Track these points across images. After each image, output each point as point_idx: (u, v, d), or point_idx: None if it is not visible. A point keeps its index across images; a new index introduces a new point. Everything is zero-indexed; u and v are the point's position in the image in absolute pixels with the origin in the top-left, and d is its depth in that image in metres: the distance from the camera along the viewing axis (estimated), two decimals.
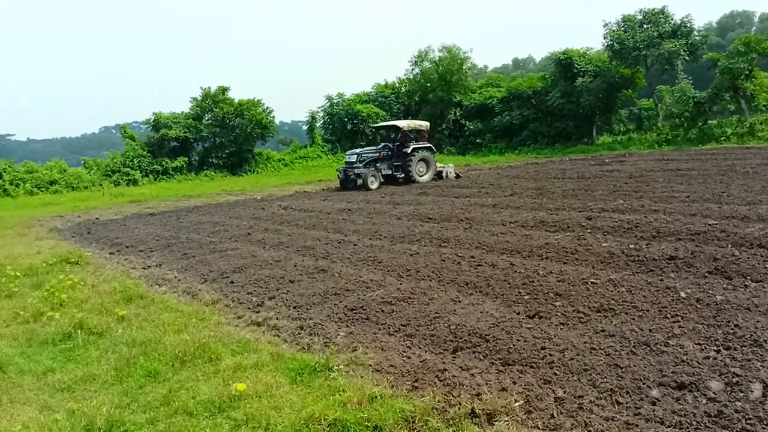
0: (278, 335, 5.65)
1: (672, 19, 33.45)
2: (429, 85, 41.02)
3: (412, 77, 42.86)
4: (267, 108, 37.75)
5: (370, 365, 4.59)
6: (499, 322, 5.32)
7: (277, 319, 6.12)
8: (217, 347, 5.20)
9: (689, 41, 32.65)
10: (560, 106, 35.13)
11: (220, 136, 36.25)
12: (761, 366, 3.97)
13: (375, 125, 29.44)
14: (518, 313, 5.61)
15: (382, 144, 23.35)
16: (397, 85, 43.85)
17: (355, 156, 21.97)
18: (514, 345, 4.73)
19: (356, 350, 4.94)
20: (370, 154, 22.23)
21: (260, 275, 8.18)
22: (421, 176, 22.07)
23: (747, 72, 28.78)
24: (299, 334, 5.60)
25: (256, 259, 9.36)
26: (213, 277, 8.43)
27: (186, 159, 35.20)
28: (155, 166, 33.69)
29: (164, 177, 33.60)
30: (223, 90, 36.66)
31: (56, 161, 33.39)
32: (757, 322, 4.74)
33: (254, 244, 10.95)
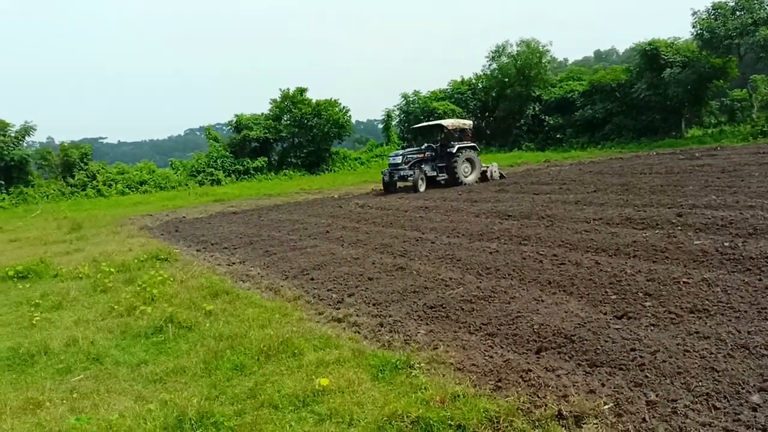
0: (359, 332, 5.71)
1: (767, 5, 31.30)
2: (507, 80, 40.38)
3: (489, 73, 42.30)
4: (344, 107, 38.33)
5: (452, 364, 4.55)
6: (584, 323, 5.16)
7: (357, 315, 6.18)
8: (300, 342, 5.31)
9: None
10: (646, 99, 33.59)
11: (299, 136, 37.11)
12: None
13: (417, 125, 27.70)
14: (605, 314, 5.41)
15: (426, 145, 22.31)
16: (473, 81, 43.39)
17: (400, 157, 20.94)
18: (601, 346, 4.56)
19: (437, 348, 4.92)
20: (415, 155, 21.23)
21: (339, 272, 8.31)
22: (466, 177, 21.14)
23: None
24: (379, 331, 5.64)
25: (335, 256, 9.51)
26: (294, 273, 8.63)
27: (266, 159, 36.28)
28: (237, 166, 34.92)
29: (245, 177, 34.78)
30: (301, 91, 37.47)
31: (145, 162, 35.36)
32: None
33: (333, 242, 11.13)
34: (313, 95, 38.06)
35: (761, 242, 7.22)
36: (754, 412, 3.41)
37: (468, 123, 23.48)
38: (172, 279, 8.52)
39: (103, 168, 32.90)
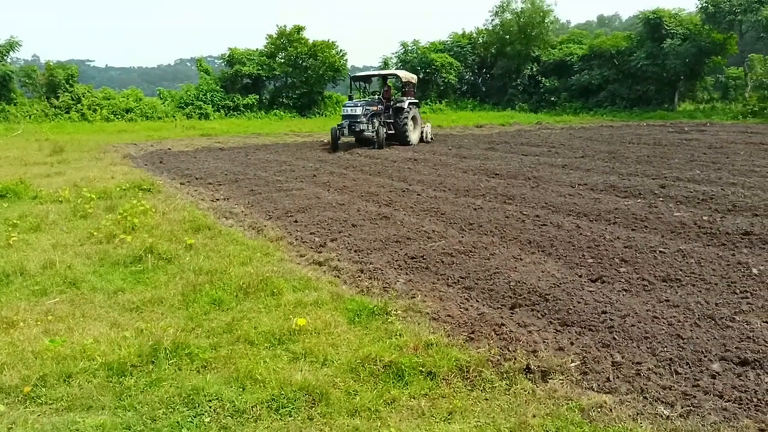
0: (338, 276, 5.77)
1: None
2: (508, 37, 39.72)
3: (491, 28, 41.54)
4: (341, 51, 37.55)
5: (428, 313, 4.64)
6: (560, 283, 5.26)
7: (338, 260, 6.23)
8: (280, 282, 5.36)
9: None
10: (644, 68, 33.39)
11: (292, 76, 36.40)
12: None
13: (368, 73, 23.62)
14: (580, 276, 5.52)
15: (377, 97, 20.29)
16: (474, 35, 42.62)
17: (360, 108, 18.41)
18: (574, 307, 4.67)
19: (414, 297, 5.00)
20: (371, 108, 18.78)
21: (323, 217, 8.33)
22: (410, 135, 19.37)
23: None
24: (359, 276, 5.70)
25: (320, 200, 9.51)
26: (278, 214, 8.63)
27: (257, 97, 35.65)
28: (227, 102, 34.32)
29: (235, 113, 34.23)
30: (299, 29, 36.56)
31: (132, 89, 34.54)
32: None
33: (319, 186, 11.11)
34: (311, 35, 37.19)
35: (738, 219, 7.35)
36: (713, 380, 3.54)
37: (414, 77, 22.14)
38: (153, 210, 8.47)
39: (89, 91, 32.12)
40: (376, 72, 24.23)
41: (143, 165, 15.00)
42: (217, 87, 34.66)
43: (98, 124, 29.30)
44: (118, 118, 31.23)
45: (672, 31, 32.71)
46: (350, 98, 20.26)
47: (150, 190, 10.57)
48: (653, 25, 33.45)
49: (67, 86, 31.22)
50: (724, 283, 5.16)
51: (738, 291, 4.97)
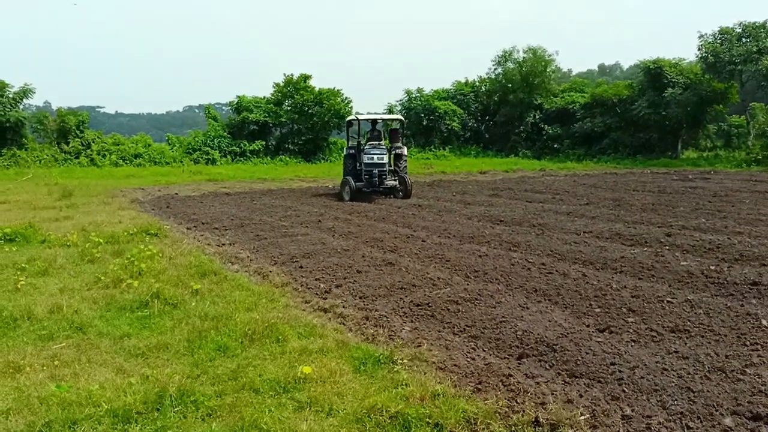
0: (344, 323, 5.74)
1: None
2: (510, 85, 40.35)
3: (493, 77, 42.28)
4: (346, 98, 38.15)
5: (434, 362, 4.60)
6: (567, 333, 5.22)
7: (343, 307, 6.21)
8: (285, 329, 5.33)
9: None
10: (646, 116, 33.75)
11: (298, 123, 36.91)
12: None
13: (368, 115, 20.80)
14: (588, 326, 5.48)
15: (381, 143, 18.25)
16: (477, 83, 43.37)
17: (386, 156, 17.11)
18: (582, 357, 4.63)
19: (420, 346, 4.96)
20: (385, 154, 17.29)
21: (329, 263, 8.33)
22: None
23: None
24: (364, 324, 5.67)
25: (325, 246, 9.53)
26: (283, 260, 8.64)
27: (264, 143, 36.10)
28: (234, 148, 34.73)
29: (241, 159, 34.60)
30: (305, 77, 37.26)
31: (142, 135, 35.07)
32: None
33: (324, 232, 11.15)
34: (317, 83, 37.74)
35: (746, 268, 7.32)
36: None
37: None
38: (160, 255, 8.51)
39: (98, 137, 32.61)
40: (382, 115, 21.52)
41: (150, 210, 15.11)
42: (225, 133, 35.15)
43: (107, 169, 29.63)
44: (126, 163, 31.60)
45: (673, 80, 33.21)
46: (358, 143, 18.07)
47: (157, 234, 10.62)
48: (654, 74, 34.00)
49: (78, 132, 31.71)
50: (733, 334, 5.12)
51: (748, 343, 4.92)
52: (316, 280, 7.48)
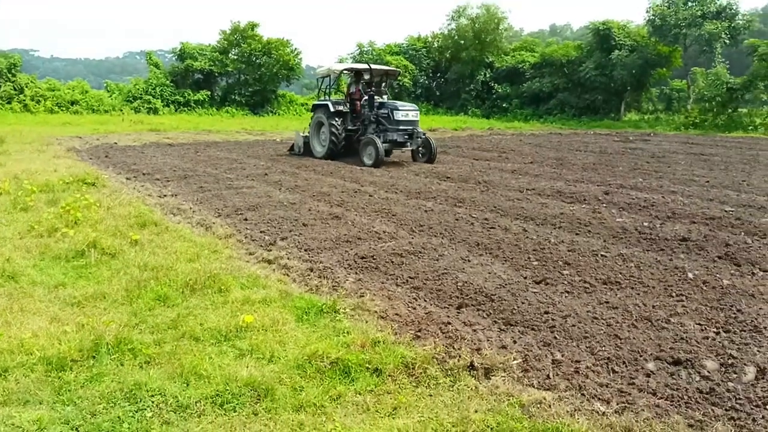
0: (288, 274, 5.75)
1: (717, 0, 32.35)
2: (463, 42, 40.26)
3: (446, 32, 42.01)
4: (295, 49, 37.36)
5: (376, 312, 4.67)
6: (505, 284, 5.38)
7: (287, 259, 6.20)
8: (227, 279, 5.30)
9: (732, 24, 31.73)
10: (592, 78, 34.44)
11: (245, 73, 35.95)
12: (758, 351, 4.01)
13: (365, 64, 17.63)
14: (525, 278, 5.66)
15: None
16: (430, 39, 43.03)
17: (419, 112, 15.26)
18: (518, 307, 4.79)
19: (363, 296, 5.02)
20: (418, 110, 15.46)
21: (274, 215, 8.27)
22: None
23: None
24: (308, 275, 5.69)
25: (271, 199, 9.44)
26: (227, 212, 8.52)
27: (209, 93, 35.08)
28: (177, 97, 33.64)
29: (185, 109, 33.58)
30: (253, 26, 36.15)
31: (78, 81, 33.48)
32: (760, 309, 4.76)
33: (270, 185, 11.02)
34: (265, 32, 36.81)
35: (677, 225, 7.67)
36: (648, 378, 3.69)
37: None
38: (98, 204, 8.24)
39: (32, 82, 30.95)
40: (380, 66, 18.87)
41: (88, 159, 14.55)
42: (167, 81, 33.92)
43: (41, 115, 28.25)
44: (62, 110, 30.20)
45: (620, 43, 33.85)
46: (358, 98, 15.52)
47: (95, 184, 10.26)
48: (603, 36, 34.54)
49: (9, 76, 30.00)
50: (661, 286, 5.38)
51: (674, 294, 5.18)
52: (261, 232, 7.41)
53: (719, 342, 4.17)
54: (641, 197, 9.59)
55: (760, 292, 5.16)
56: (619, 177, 12.24)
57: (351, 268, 5.94)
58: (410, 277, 5.65)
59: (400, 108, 14.52)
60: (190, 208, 8.80)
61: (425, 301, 5.06)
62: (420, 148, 14.99)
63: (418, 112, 15.10)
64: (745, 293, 5.15)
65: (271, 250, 6.55)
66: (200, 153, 16.52)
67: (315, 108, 16.16)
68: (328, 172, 12.83)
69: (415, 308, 4.81)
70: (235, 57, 36.16)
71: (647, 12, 33.43)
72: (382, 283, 5.49)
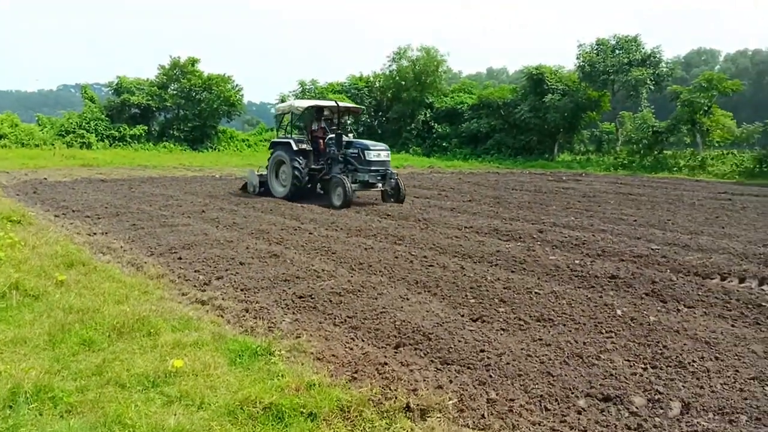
0: (222, 315, 5.61)
1: (643, 48, 34.46)
2: (404, 83, 41.09)
3: (388, 73, 42.86)
4: (237, 86, 37.24)
5: (312, 353, 4.60)
6: (443, 322, 5.41)
7: (222, 299, 6.06)
8: (158, 322, 5.12)
9: (656, 71, 33.68)
10: (527, 120, 35.73)
11: (185, 108, 35.50)
12: (683, 386, 4.15)
13: (323, 103, 16.67)
14: (462, 315, 5.71)
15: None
16: (371, 79, 43.76)
17: (389, 152, 14.72)
18: (454, 345, 4.81)
19: (300, 337, 4.94)
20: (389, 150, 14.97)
21: (210, 254, 8.09)
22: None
23: (706, 108, 29.90)
24: (244, 316, 5.57)
25: (207, 237, 9.24)
26: (161, 251, 8.28)
27: (146, 128, 34.40)
28: (112, 132, 32.82)
29: (121, 144, 32.76)
30: (193, 61, 35.90)
31: (8, 114, 32.19)
32: (684, 344, 4.95)
33: (207, 222, 10.81)
34: (206, 68, 36.61)
35: (606, 263, 7.94)
36: (579, 415, 3.76)
37: None
38: (23, 243, 7.85)
39: None
40: (346, 104, 17.75)
41: (14, 195, 13.92)
42: (103, 116, 33.09)
43: None
44: None
45: (552, 87, 35.38)
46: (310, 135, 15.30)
47: (20, 221, 9.79)
48: (536, 80, 36.02)
49: None
50: (591, 323, 5.53)
51: (604, 331, 5.33)
52: (195, 271, 7.23)
53: (647, 378, 4.30)
54: (573, 235, 9.91)
55: (684, 328, 5.37)
56: (553, 215, 12.63)
57: (288, 308, 5.85)
58: (348, 317, 5.61)
59: (371, 148, 13.91)
60: (121, 246, 8.51)
61: (363, 341, 5.02)
62: (389, 189, 14.38)
63: (389, 152, 14.58)
64: (670, 329, 5.35)
65: (205, 290, 6.39)
66: (135, 189, 16.07)
67: (275, 145, 15.48)
68: (268, 210, 12.70)
69: (352, 349, 4.76)
70: (175, 92, 35.71)
71: (577, 58, 35.21)
72: (320, 323, 5.42)
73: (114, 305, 5.53)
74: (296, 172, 14.22)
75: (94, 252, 8.07)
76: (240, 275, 7.03)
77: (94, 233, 9.49)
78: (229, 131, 38.65)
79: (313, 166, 14.68)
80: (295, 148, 14.42)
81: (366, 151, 13.72)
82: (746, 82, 48.34)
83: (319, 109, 15.64)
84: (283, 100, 41.22)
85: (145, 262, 7.52)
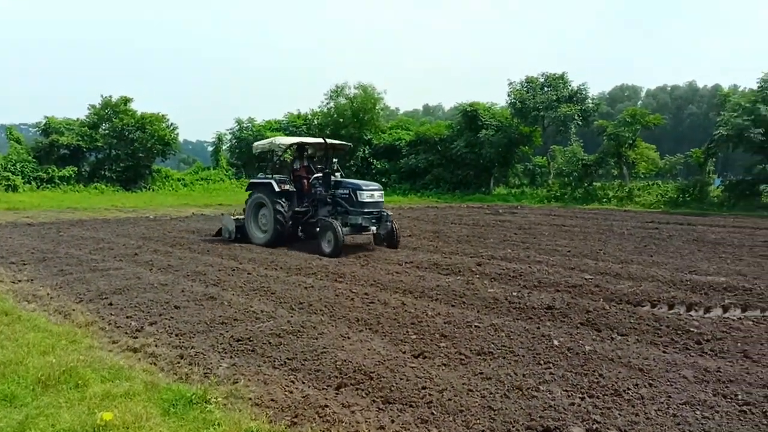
0: (155, 363, 5.39)
1: (570, 86, 36.13)
2: (342, 120, 41.47)
3: (326, 110, 43.17)
4: (172, 124, 36.61)
5: (250, 399, 4.47)
6: (384, 360, 5.37)
7: (156, 346, 5.84)
8: (86, 373, 4.87)
9: (583, 107, 35.33)
10: (463, 155, 36.65)
11: (117, 148, 34.57)
12: (619, 414, 4.25)
13: (317, 137, 15.95)
14: (404, 352, 5.69)
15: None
16: (309, 116, 43.95)
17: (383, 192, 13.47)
18: (396, 383, 4.78)
19: (237, 382, 4.80)
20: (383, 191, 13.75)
21: (143, 299, 7.81)
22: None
23: (631, 141, 31.50)
24: (178, 363, 5.37)
25: (140, 281, 8.93)
26: (90, 297, 7.93)
27: (76, 169, 33.24)
28: (40, 173, 31.57)
29: (49, 186, 31.51)
30: (126, 100, 35.16)
31: None
32: (619, 372, 5.09)
33: (141, 266, 10.45)
34: (139, 107, 35.86)
35: (543, 294, 8.13)
36: None
37: None
38: None
39: None
40: (333, 140, 15.05)
41: None
42: (30, 157, 31.81)
43: None
44: None
45: (487, 123, 36.53)
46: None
47: None
48: (471, 116, 37.13)
49: None
50: (530, 354, 5.62)
51: (542, 362, 5.42)
52: (127, 317, 6.95)
53: (584, 408, 4.38)
54: (511, 267, 10.11)
55: (619, 357, 5.53)
56: (491, 248, 12.88)
57: (225, 352, 5.69)
58: (288, 358, 5.50)
59: (364, 188, 12.65)
60: (48, 294, 8.11)
61: (303, 383, 4.92)
62: (383, 233, 12.97)
63: (383, 192, 13.37)
64: (605, 358, 5.49)
65: (137, 337, 6.14)
66: (63, 233, 15.41)
67: (253, 187, 14.18)
68: (205, 250, 12.41)
69: (292, 392, 4.66)
70: (106, 132, 34.78)
71: (509, 96, 36.54)
72: (259, 366, 5.29)
73: (39, 356, 5.24)
74: (279, 216, 12.93)
75: (18, 300, 7.66)
76: (175, 320, 6.80)
77: (19, 280, 9.02)
78: (164, 170, 37.83)
79: (296, 209, 13.40)
80: (277, 189, 13.19)
81: (358, 192, 12.50)
82: (667, 116, 51.43)
83: (301, 147, 14.49)
84: (220, 139, 40.85)
85: (74, 310, 7.18)
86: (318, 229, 12.53)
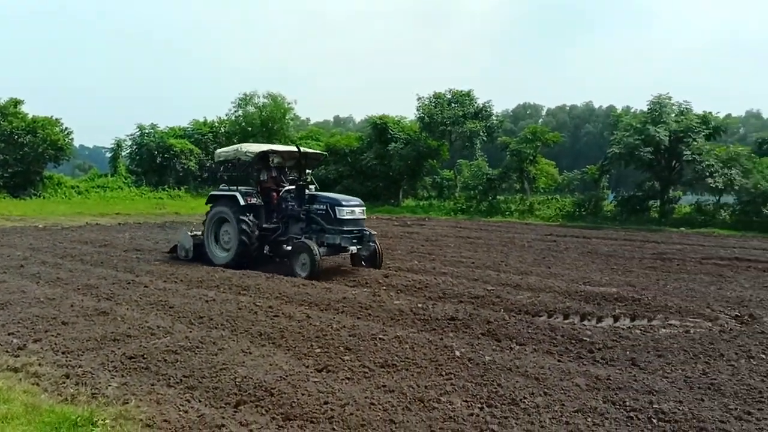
0: (38, 384, 5.02)
1: (476, 102, 37.45)
2: (250, 129, 40.70)
3: (233, 119, 42.23)
4: (66, 129, 34.46)
5: (141, 420, 4.24)
6: (287, 375, 5.26)
7: (39, 365, 5.43)
8: None
9: (488, 124, 36.70)
10: (373, 167, 37.00)
11: (5, 152, 32.06)
12: (515, 424, 4.38)
13: (282, 148, 13.39)
14: (307, 367, 5.61)
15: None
16: (216, 124, 42.83)
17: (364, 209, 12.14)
18: (298, 399, 4.69)
19: (128, 403, 4.54)
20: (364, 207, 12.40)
21: (27, 314, 7.26)
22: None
23: (531, 157, 32.96)
24: (63, 383, 5.02)
25: (25, 295, 8.31)
26: None
27: None
28: None
29: None
30: (16, 103, 32.78)
31: None
32: (516, 382, 5.25)
33: (26, 278, 9.73)
34: (31, 110, 33.47)
35: (446, 305, 8.28)
36: None
37: None
38: None
39: None
40: (310, 149, 14.44)
41: None
42: None
43: None
44: None
45: (396, 136, 37.11)
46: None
47: None
48: (380, 129, 37.60)
49: None
50: (432, 366, 5.69)
51: (444, 373, 5.50)
52: (8, 334, 6.45)
53: (483, 418, 4.48)
54: (417, 279, 10.25)
55: (517, 366, 5.71)
56: (398, 260, 13.02)
57: (116, 371, 5.38)
58: (185, 376, 5.27)
59: (344, 204, 11.35)
60: None
61: (200, 401, 4.73)
62: (365, 253, 11.72)
63: (364, 208, 12.01)
64: (504, 368, 5.65)
65: (19, 356, 5.71)
66: None
67: (214, 199, 12.58)
68: (98, 262, 11.74)
69: (187, 411, 4.46)
70: None
71: (417, 110, 37.35)
72: (152, 385, 5.03)
73: None
74: (243, 236, 11.37)
75: None
76: (62, 336, 6.37)
77: None
78: (57, 177, 35.49)
79: (264, 225, 11.84)
80: (242, 202, 11.68)
81: (337, 208, 11.16)
82: (565, 134, 54.27)
83: (263, 155, 12.38)
84: (119, 145, 38.94)
85: None
86: (290, 248, 11.20)
